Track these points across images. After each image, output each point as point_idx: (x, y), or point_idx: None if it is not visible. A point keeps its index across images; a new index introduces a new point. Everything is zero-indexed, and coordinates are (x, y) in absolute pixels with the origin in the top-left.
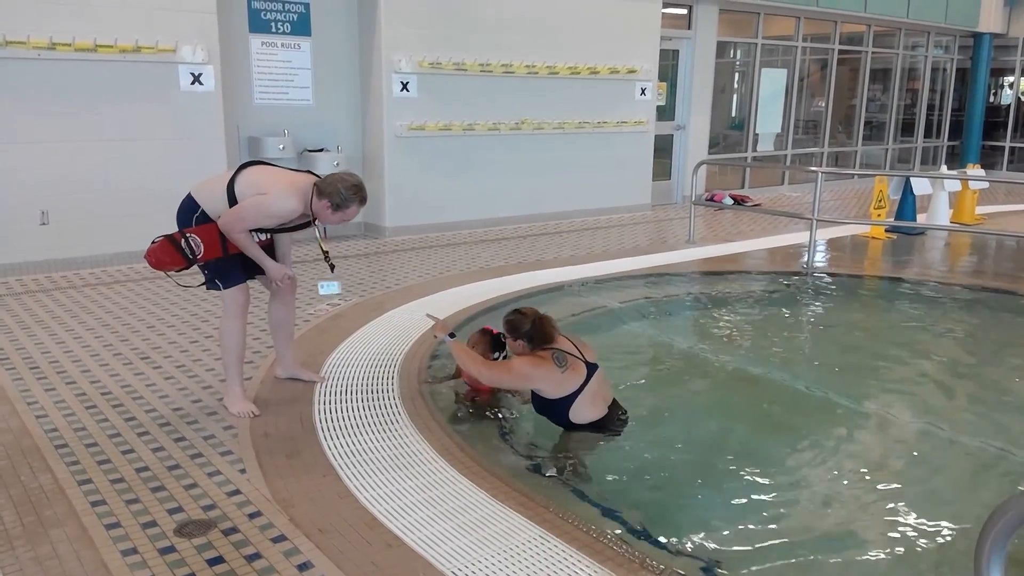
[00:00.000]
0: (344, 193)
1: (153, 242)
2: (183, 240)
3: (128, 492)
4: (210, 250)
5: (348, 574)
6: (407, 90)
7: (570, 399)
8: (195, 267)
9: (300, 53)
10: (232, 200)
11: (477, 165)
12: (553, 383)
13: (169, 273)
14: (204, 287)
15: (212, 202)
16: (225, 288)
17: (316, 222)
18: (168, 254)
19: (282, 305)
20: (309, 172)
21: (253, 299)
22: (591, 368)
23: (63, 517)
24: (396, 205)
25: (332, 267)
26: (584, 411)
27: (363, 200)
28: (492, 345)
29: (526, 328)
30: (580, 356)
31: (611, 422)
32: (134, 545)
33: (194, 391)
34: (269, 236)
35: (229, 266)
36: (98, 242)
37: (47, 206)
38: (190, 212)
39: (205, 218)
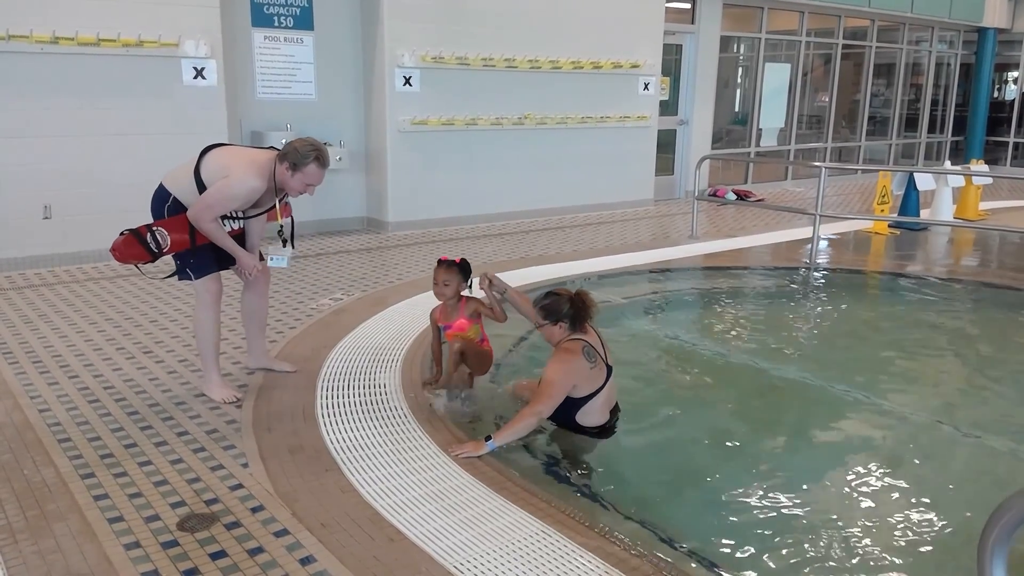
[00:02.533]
0: (301, 150)
1: (121, 234)
2: (148, 234)
3: (131, 486)
4: (177, 243)
5: (350, 568)
6: (410, 84)
7: (583, 400)
8: (166, 257)
9: (303, 47)
10: (200, 185)
11: (479, 160)
12: (585, 378)
13: (137, 266)
14: (175, 277)
15: (182, 190)
16: (197, 278)
17: (280, 198)
18: (132, 248)
19: (255, 295)
20: (272, 148)
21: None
22: (609, 371)
23: (66, 511)
24: (398, 200)
25: (284, 241)
26: (592, 416)
27: (321, 159)
28: (463, 274)
29: (566, 309)
30: (603, 356)
31: (609, 430)
32: (137, 539)
33: (197, 385)
34: (240, 226)
35: (201, 256)
36: (100, 236)
37: (50, 200)
38: (162, 201)
39: (177, 207)
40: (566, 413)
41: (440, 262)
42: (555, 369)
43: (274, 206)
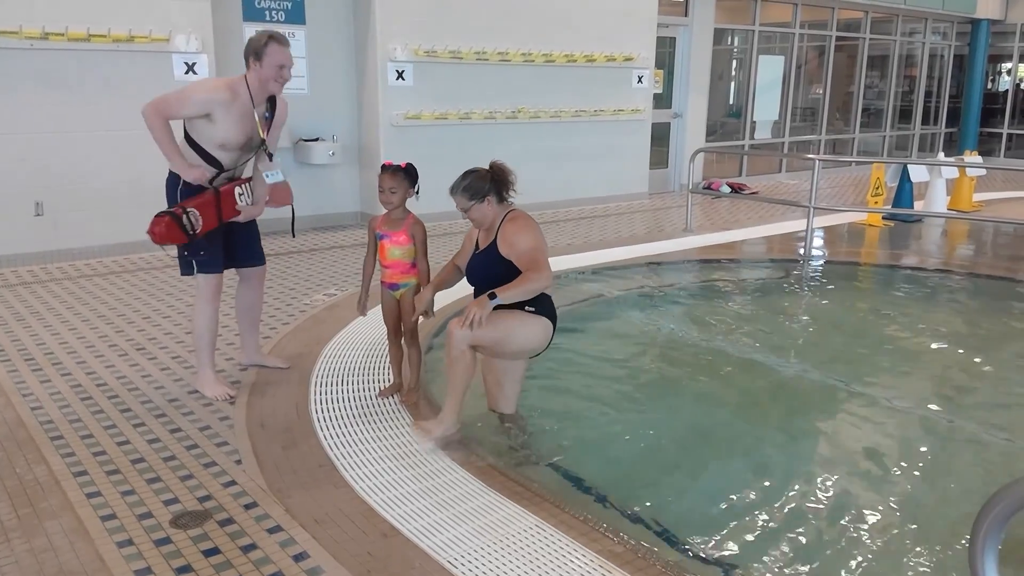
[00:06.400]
0: (255, 39)
1: (158, 216)
2: (184, 216)
3: (124, 483)
4: (207, 223)
5: (344, 564)
6: (403, 79)
7: None
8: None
9: (294, 42)
10: (194, 145)
11: (473, 154)
12: (545, 243)
13: (165, 247)
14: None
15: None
16: (199, 273)
17: (258, 113)
18: (172, 231)
19: (250, 291)
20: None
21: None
22: None
23: (58, 509)
24: None
25: (271, 156)
26: None
27: (276, 38)
28: (411, 180)
29: (488, 184)
30: None
31: (554, 306)
32: (129, 536)
33: (190, 382)
34: (240, 174)
35: (211, 251)
36: (92, 233)
37: (41, 197)
38: (174, 186)
39: (188, 189)
40: None
41: (384, 167)
42: (526, 236)
43: (262, 145)
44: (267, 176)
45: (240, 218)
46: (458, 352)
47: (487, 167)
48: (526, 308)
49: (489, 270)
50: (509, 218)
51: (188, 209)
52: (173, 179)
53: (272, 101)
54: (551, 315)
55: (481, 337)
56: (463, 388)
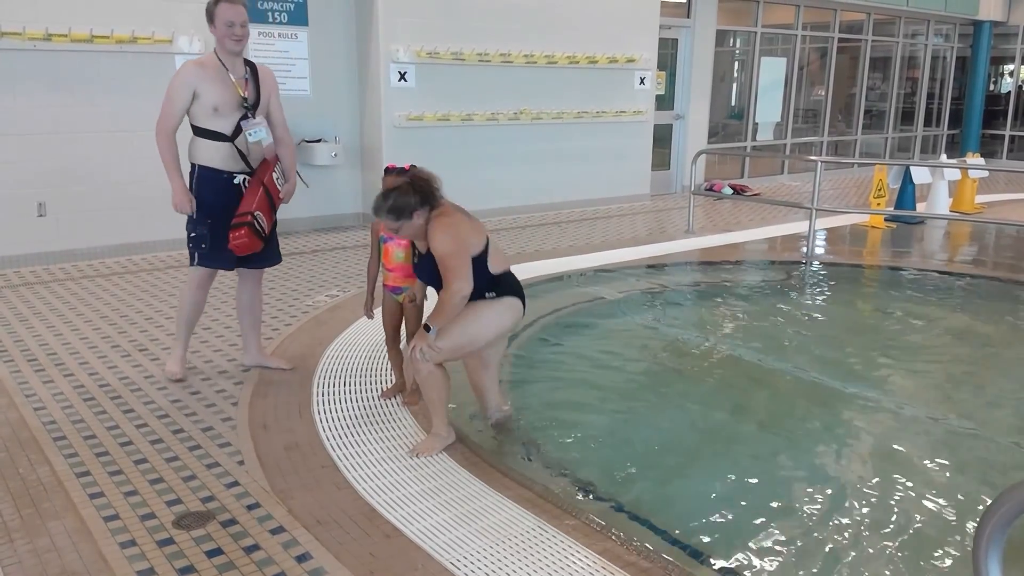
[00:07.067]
0: (209, 2)
1: (235, 229)
2: (255, 222)
3: (126, 484)
4: (268, 219)
5: (346, 565)
6: (405, 80)
7: (484, 251)
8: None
9: (297, 43)
10: (200, 131)
11: (475, 155)
12: (471, 230)
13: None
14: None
15: (195, 150)
16: (193, 264)
17: (234, 76)
18: (252, 239)
19: (246, 290)
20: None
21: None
22: None
23: (61, 509)
24: None
25: (253, 113)
26: (497, 261)
27: None
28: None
29: (413, 199)
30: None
31: (517, 280)
32: (132, 537)
33: (192, 383)
34: (257, 137)
35: (216, 249)
36: (96, 234)
37: (44, 198)
38: (191, 176)
39: (203, 174)
40: (479, 272)
41: (388, 170)
42: (442, 241)
43: (253, 108)
44: (249, 135)
45: (283, 201)
46: (425, 374)
47: (408, 179)
48: (486, 295)
49: (432, 273)
50: (433, 217)
51: (255, 213)
52: (190, 172)
53: (253, 68)
54: (514, 290)
55: (443, 355)
56: (442, 402)
